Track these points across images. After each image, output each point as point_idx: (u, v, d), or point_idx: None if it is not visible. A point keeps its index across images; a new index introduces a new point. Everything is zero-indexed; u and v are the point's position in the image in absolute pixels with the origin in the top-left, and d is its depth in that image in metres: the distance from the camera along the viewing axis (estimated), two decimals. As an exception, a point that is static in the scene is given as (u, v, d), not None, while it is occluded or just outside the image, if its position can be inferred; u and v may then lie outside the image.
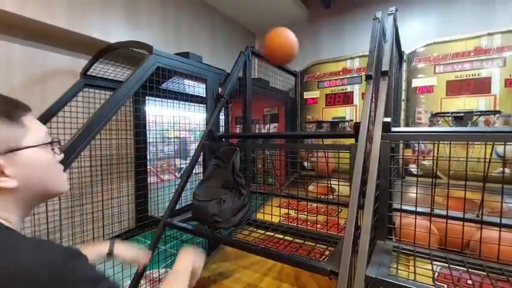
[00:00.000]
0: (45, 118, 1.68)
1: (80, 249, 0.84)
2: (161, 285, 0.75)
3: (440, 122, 2.11)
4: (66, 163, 1.13)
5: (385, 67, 1.21)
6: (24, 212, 0.59)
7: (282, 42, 1.59)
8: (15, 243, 0.49)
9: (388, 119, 1.05)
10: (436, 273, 0.98)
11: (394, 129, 1.09)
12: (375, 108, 1.17)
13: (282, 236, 1.28)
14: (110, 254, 0.91)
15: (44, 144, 0.59)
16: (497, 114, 1.90)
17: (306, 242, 1.20)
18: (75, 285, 0.48)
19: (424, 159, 2.12)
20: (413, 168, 2.10)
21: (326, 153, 1.27)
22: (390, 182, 1.09)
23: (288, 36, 1.58)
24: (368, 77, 1.21)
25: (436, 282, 0.91)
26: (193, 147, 1.86)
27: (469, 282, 0.89)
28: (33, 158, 0.56)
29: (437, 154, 1.09)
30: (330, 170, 1.40)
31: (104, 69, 1.91)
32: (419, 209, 1.11)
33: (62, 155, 0.65)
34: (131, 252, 0.94)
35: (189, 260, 0.82)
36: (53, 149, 0.62)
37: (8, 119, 0.53)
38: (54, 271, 0.46)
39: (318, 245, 1.17)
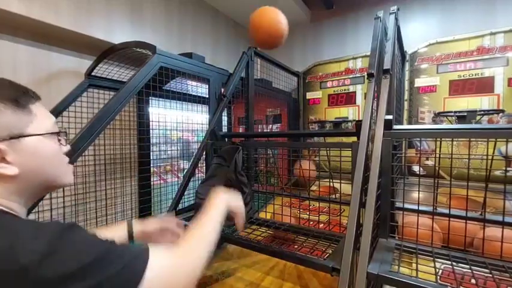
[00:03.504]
0: (50, 118, 1.70)
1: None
2: (189, 229, 0.66)
3: (444, 123, 2.10)
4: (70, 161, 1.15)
5: (386, 65, 1.22)
6: (26, 202, 0.56)
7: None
8: (15, 227, 0.47)
9: (390, 117, 1.06)
10: (440, 271, 0.97)
11: (395, 126, 1.09)
12: (376, 106, 1.17)
13: (284, 234, 1.28)
14: (131, 236, 0.82)
15: (49, 133, 0.57)
16: (501, 114, 1.89)
17: (308, 240, 1.20)
18: (74, 256, 0.44)
19: (427, 159, 2.11)
20: (416, 167, 2.09)
21: (328, 151, 1.27)
22: (392, 180, 1.09)
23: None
24: (370, 75, 1.21)
25: (439, 280, 0.91)
26: (196, 147, 1.87)
27: (473, 281, 0.89)
28: (37, 146, 0.54)
29: (440, 152, 1.09)
30: (332, 169, 1.40)
31: (108, 70, 1.93)
32: (422, 208, 1.10)
33: (69, 146, 0.63)
34: (153, 224, 0.85)
35: (221, 199, 0.77)
36: (59, 140, 0.60)
37: (14, 105, 0.51)
38: (53, 244, 0.43)
39: (320, 243, 1.17)
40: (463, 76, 2.09)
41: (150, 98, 2.07)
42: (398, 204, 1.12)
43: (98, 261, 0.45)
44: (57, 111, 1.75)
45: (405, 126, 1.82)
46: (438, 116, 2.08)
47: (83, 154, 1.25)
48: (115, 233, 0.81)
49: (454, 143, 1.77)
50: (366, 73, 1.90)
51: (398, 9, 1.45)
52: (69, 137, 1.26)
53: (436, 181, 1.10)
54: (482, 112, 1.77)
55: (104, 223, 1.81)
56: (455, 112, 1.76)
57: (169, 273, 0.54)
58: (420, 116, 2.27)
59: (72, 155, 1.17)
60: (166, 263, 0.54)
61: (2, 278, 0.40)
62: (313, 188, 2.06)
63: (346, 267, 0.84)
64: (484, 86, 2.01)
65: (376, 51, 1.27)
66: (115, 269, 0.46)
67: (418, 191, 1.07)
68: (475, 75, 2.05)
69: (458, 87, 2.11)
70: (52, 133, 0.58)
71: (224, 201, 0.77)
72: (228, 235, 1.35)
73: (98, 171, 1.90)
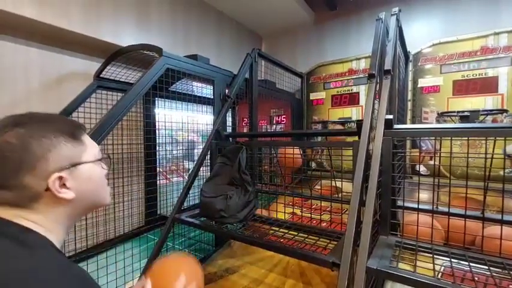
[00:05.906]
0: (60, 118, 1.76)
1: None
2: None
3: (448, 123, 2.10)
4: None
5: (387, 66, 1.24)
6: (71, 224, 0.64)
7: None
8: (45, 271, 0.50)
9: (390, 116, 1.08)
10: (442, 268, 0.99)
11: (396, 126, 1.11)
12: (378, 106, 1.20)
13: (287, 231, 1.31)
14: None
15: (98, 160, 0.65)
16: (505, 114, 1.89)
17: (310, 237, 1.23)
18: None
19: (431, 159, 2.12)
20: (420, 167, 2.10)
21: (330, 150, 1.30)
22: (393, 178, 1.11)
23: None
24: (371, 76, 1.23)
25: (439, 276, 0.93)
26: (201, 147, 1.91)
27: (476, 278, 0.90)
28: (89, 172, 0.62)
29: (440, 151, 1.10)
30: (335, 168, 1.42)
31: (116, 72, 1.98)
32: (425, 207, 1.12)
33: (108, 169, 0.70)
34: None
35: None
36: (102, 165, 0.68)
37: (72, 138, 0.60)
38: None
39: (321, 239, 1.20)
40: (467, 76, 2.09)
41: (156, 99, 2.12)
42: (400, 203, 1.14)
43: None
44: (67, 112, 1.80)
45: (405, 125, 1.83)
46: (441, 116, 2.08)
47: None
48: None
49: (460, 142, 1.78)
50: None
51: (399, 11, 1.47)
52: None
53: (438, 180, 1.11)
54: (485, 112, 1.77)
55: (110, 222, 1.86)
56: (458, 112, 1.77)
57: None
58: (424, 116, 2.28)
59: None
60: None
61: None
62: (316, 187, 2.08)
63: (346, 262, 0.87)
64: (488, 86, 2.01)
65: (377, 52, 1.29)
66: None
67: (418, 189, 1.08)
68: (479, 75, 2.05)
69: (462, 87, 2.11)
70: (100, 159, 0.66)
71: None
72: (232, 232, 1.38)
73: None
